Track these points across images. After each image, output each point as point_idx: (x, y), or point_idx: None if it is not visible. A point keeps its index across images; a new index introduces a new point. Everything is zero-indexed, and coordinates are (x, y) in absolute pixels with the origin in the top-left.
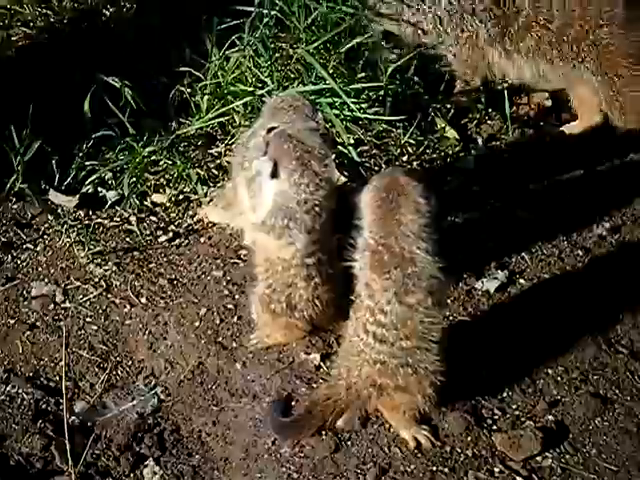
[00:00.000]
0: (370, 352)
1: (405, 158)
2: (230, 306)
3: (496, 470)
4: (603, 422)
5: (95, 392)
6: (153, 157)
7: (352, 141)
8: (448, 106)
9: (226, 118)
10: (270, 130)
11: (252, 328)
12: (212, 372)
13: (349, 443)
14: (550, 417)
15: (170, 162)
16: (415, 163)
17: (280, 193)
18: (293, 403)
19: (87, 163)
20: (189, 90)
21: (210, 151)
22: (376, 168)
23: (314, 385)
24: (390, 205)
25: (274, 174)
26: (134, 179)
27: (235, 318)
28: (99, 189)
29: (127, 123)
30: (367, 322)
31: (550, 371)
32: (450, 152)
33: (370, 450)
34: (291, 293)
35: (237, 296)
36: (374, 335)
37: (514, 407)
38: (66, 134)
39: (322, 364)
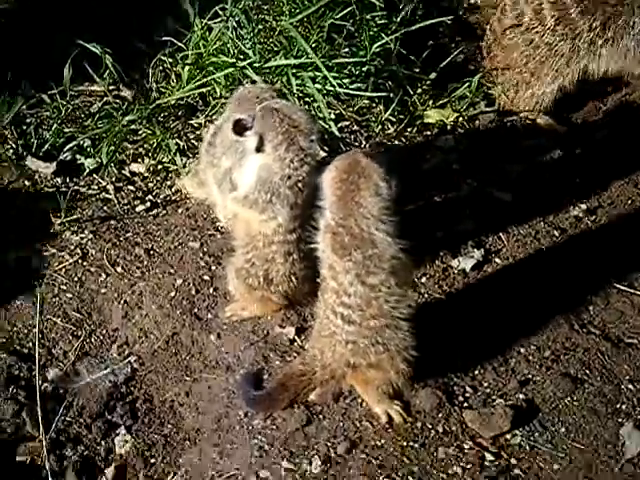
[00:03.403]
0: (340, 333)
1: (386, 134)
2: (206, 277)
3: (466, 446)
4: (573, 402)
5: (68, 360)
6: (132, 126)
7: (333, 116)
8: (430, 84)
9: (207, 89)
10: (237, 121)
11: (228, 300)
12: (186, 343)
13: (321, 416)
14: (521, 396)
15: (149, 132)
16: (395, 140)
17: (264, 167)
18: (266, 376)
19: (66, 130)
20: (170, 60)
21: (190, 122)
22: (356, 144)
23: (288, 358)
24: (350, 186)
25: (259, 148)
26: (113, 147)
27: (211, 290)
28: (77, 156)
29: (107, 91)
30: (334, 304)
31: (522, 350)
32: (430, 130)
33: (341, 424)
34: (269, 268)
35: (213, 267)
36: (342, 316)
37: (485, 385)
38: (45, 99)
39: (296, 338)
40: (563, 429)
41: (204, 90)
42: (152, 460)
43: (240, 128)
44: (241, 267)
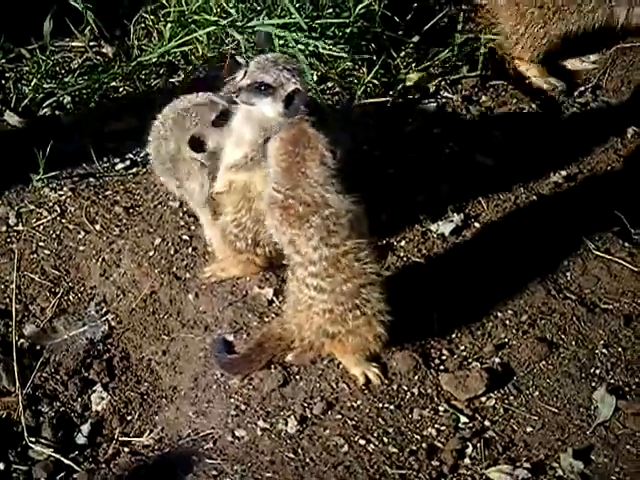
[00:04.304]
0: (317, 304)
1: (368, 97)
2: (185, 237)
3: (441, 409)
4: (547, 366)
5: (45, 316)
6: (113, 83)
7: (315, 78)
8: (413, 47)
9: (189, 47)
10: (192, 139)
11: (206, 260)
12: (164, 302)
13: (298, 377)
14: (496, 359)
15: (131, 89)
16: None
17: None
18: (244, 336)
19: (45, 85)
20: (152, 17)
21: (171, 80)
22: (338, 107)
23: (266, 319)
24: (296, 158)
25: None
26: (93, 105)
27: (190, 249)
28: (57, 112)
29: (88, 47)
30: (304, 277)
31: (499, 314)
32: (413, 94)
33: (318, 385)
34: (259, 229)
35: (193, 227)
36: (314, 287)
37: (462, 348)
38: (24, 54)
39: (274, 299)
40: (537, 392)
41: (186, 49)
42: (128, 417)
43: (198, 144)
44: (229, 231)
